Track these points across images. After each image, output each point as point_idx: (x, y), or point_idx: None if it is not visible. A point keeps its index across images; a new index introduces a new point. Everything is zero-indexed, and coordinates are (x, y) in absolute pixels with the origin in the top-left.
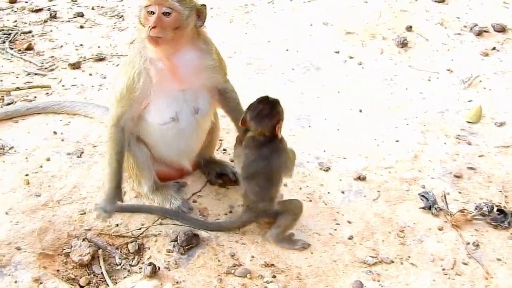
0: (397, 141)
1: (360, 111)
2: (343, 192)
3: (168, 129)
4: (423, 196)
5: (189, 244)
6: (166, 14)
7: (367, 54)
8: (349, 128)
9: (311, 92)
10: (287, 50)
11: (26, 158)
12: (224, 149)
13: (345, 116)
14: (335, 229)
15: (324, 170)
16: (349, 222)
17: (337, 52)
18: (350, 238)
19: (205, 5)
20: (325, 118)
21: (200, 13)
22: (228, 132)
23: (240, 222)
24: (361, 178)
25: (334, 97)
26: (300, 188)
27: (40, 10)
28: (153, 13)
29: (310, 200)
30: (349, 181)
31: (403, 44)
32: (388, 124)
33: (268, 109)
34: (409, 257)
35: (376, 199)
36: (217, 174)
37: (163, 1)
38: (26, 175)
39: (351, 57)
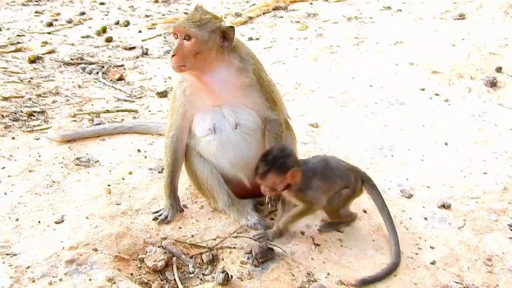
0: (485, 173)
1: (446, 144)
2: (426, 219)
3: (210, 141)
4: None
5: (264, 257)
6: (187, 38)
7: (454, 92)
8: (434, 159)
9: (395, 125)
10: (371, 86)
11: (110, 171)
12: None
13: (429, 148)
14: (416, 253)
15: (406, 197)
16: (432, 248)
17: (423, 90)
18: (433, 263)
19: (232, 27)
20: (409, 149)
21: (227, 35)
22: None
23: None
24: (445, 206)
25: (418, 130)
26: None
27: (133, 48)
28: (177, 38)
29: None
30: (433, 208)
31: (492, 83)
32: (476, 157)
33: (277, 147)
34: (497, 285)
35: (462, 227)
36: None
37: (181, 28)
38: (109, 185)
39: (437, 94)
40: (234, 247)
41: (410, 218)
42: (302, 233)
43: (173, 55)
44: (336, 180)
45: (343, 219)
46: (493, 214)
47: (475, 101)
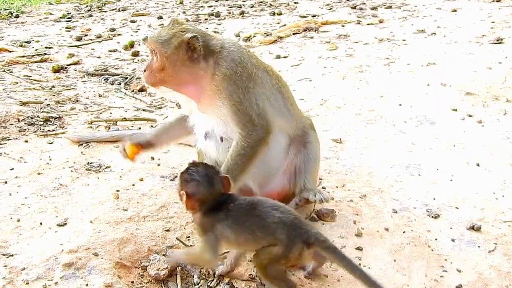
0: None
1: (478, 165)
2: (453, 240)
3: (207, 146)
4: None
5: None
6: (155, 54)
7: (488, 114)
8: (464, 180)
9: (423, 144)
10: (400, 105)
11: (120, 176)
12: (323, 187)
13: (460, 168)
14: (441, 276)
15: (432, 217)
16: (459, 271)
17: (455, 110)
18: (459, 287)
19: (195, 36)
20: (437, 168)
21: (192, 45)
22: (329, 173)
23: None
24: (475, 229)
25: (449, 150)
26: (404, 232)
27: None
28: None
29: (415, 245)
30: (461, 230)
31: None
32: (510, 179)
33: (205, 168)
34: None
35: (492, 251)
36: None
37: (148, 43)
38: (117, 190)
39: (470, 115)
40: (244, 260)
41: (436, 239)
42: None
43: (144, 70)
44: (257, 232)
45: (274, 284)
46: None
47: (511, 123)
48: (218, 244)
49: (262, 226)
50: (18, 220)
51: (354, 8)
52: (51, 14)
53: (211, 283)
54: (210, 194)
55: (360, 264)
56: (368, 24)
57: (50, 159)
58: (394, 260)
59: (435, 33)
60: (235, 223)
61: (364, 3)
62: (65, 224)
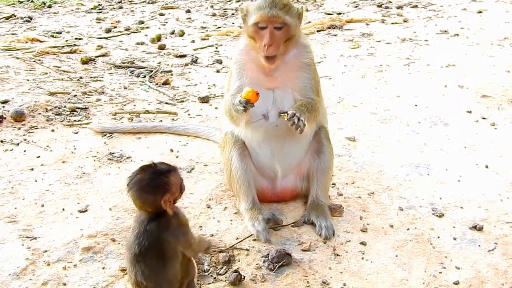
0: None
1: (487, 166)
2: (455, 239)
3: (258, 127)
4: None
5: (280, 261)
6: (277, 28)
7: (502, 117)
8: (472, 181)
9: (435, 144)
10: (416, 105)
11: None
12: (333, 184)
13: (468, 169)
14: (440, 272)
15: (437, 215)
16: (457, 268)
17: (470, 112)
18: (456, 283)
19: (302, 7)
20: (446, 169)
21: (300, 15)
22: (340, 170)
23: None
24: (477, 228)
25: (459, 151)
26: (408, 229)
27: (184, 56)
28: (264, 27)
29: (417, 242)
30: (464, 229)
31: None
32: None
33: (149, 180)
34: None
35: (492, 250)
36: (307, 220)
37: (275, 18)
38: None
39: (484, 118)
40: (252, 249)
41: (438, 237)
42: (324, 242)
43: (270, 45)
44: None
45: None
46: None
47: None
48: None
49: None
50: (42, 206)
51: (380, 6)
52: (82, 5)
53: (220, 270)
54: None
55: (362, 258)
56: (392, 23)
57: (75, 148)
58: (396, 256)
59: (458, 34)
60: None
61: (390, 2)
62: (86, 210)
